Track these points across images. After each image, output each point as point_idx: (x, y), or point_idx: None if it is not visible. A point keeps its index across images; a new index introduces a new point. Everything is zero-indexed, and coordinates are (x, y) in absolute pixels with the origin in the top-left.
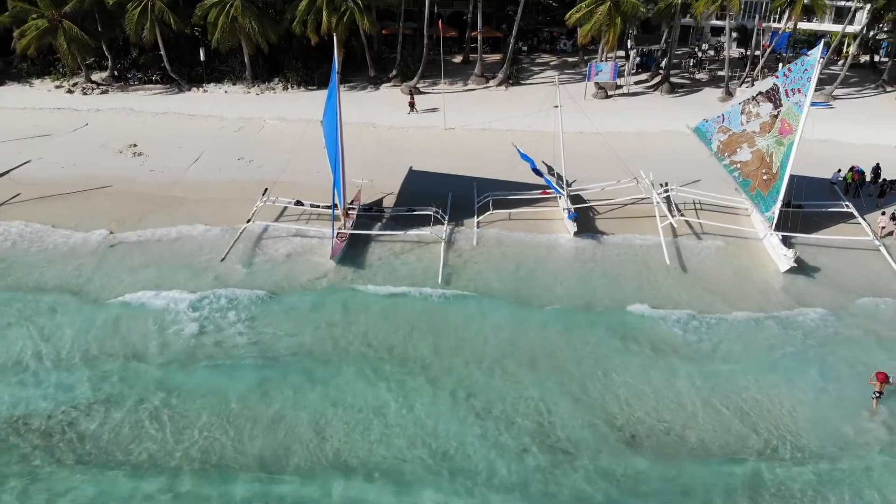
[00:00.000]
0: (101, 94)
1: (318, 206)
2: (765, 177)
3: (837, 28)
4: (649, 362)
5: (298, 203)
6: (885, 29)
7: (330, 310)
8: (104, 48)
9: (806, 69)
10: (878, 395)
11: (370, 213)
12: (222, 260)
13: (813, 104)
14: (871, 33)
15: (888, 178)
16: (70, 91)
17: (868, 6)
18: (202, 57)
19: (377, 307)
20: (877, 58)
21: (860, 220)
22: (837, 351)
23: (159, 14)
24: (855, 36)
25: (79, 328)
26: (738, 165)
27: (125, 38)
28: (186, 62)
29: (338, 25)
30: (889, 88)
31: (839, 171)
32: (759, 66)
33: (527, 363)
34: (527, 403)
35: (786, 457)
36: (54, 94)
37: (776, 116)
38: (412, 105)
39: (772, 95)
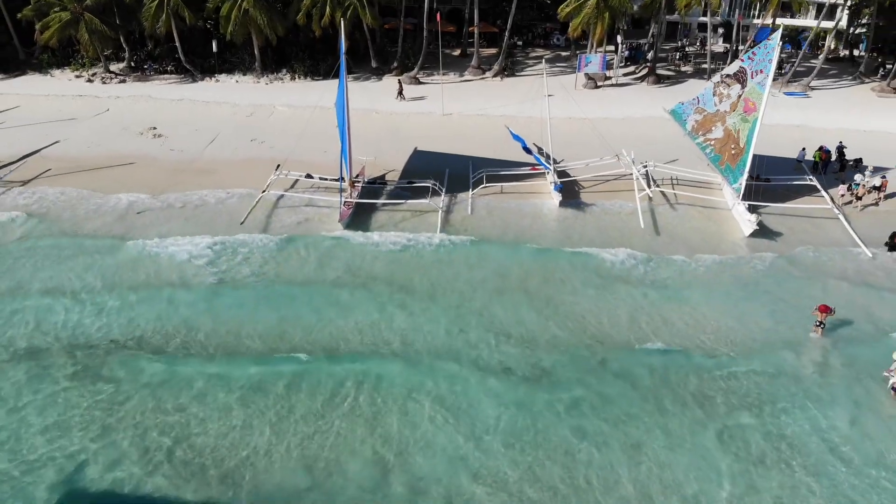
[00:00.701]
0: (119, 83)
1: (326, 179)
2: (733, 151)
3: (821, 24)
4: (611, 286)
5: (308, 176)
6: (864, 22)
7: (339, 255)
8: (122, 40)
9: (768, 52)
10: (820, 324)
11: (374, 186)
12: (242, 223)
13: (790, 94)
14: (851, 29)
15: (849, 158)
16: (90, 80)
17: (847, 2)
18: (214, 49)
19: (382, 252)
20: (856, 52)
21: (823, 192)
22: (785, 287)
23: (174, 8)
24: (836, 31)
25: (118, 266)
26: (712, 143)
27: (141, 30)
28: (199, 54)
29: (344, 19)
30: (866, 80)
31: (803, 149)
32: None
33: (508, 286)
34: (505, 310)
35: (724, 353)
36: (75, 84)
37: (740, 96)
38: (400, 92)
39: (740, 77)
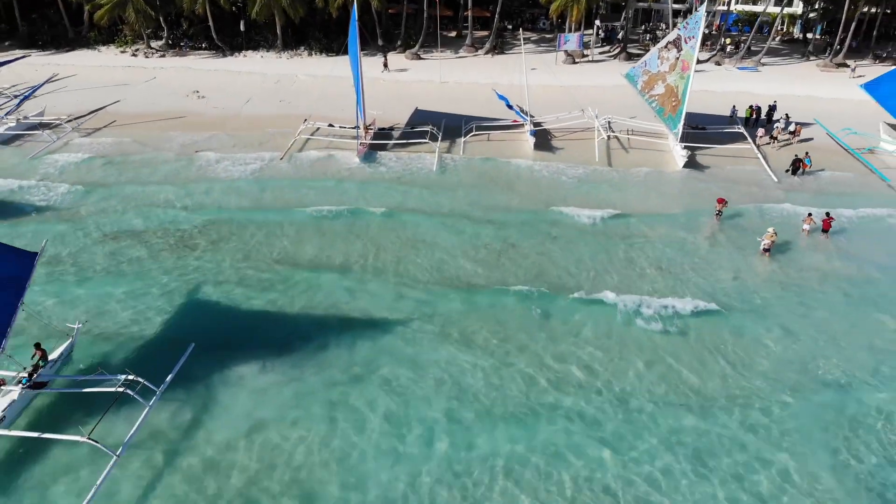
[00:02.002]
0: (159, 57)
1: (345, 128)
2: (673, 103)
3: (778, 9)
4: (562, 184)
5: (330, 125)
6: (816, 7)
7: (356, 174)
8: (161, 20)
9: (697, 22)
10: (718, 212)
11: (383, 132)
12: (281, 159)
13: (743, 68)
14: (805, 13)
15: (777, 115)
16: (134, 55)
17: None
18: (242, 28)
19: (389, 189)
20: (810, 35)
21: (746, 136)
22: (698, 190)
23: None
24: (791, 16)
25: (189, 171)
26: (657, 97)
27: (178, 12)
28: (228, 33)
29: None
30: (813, 58)
31: (734, 106)
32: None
33: (485, 203)
34: (482, 193)
35: (637, 221)
36: (120, 58)
37: (678, 58)
38: (385, 65)
39: (677, 43)
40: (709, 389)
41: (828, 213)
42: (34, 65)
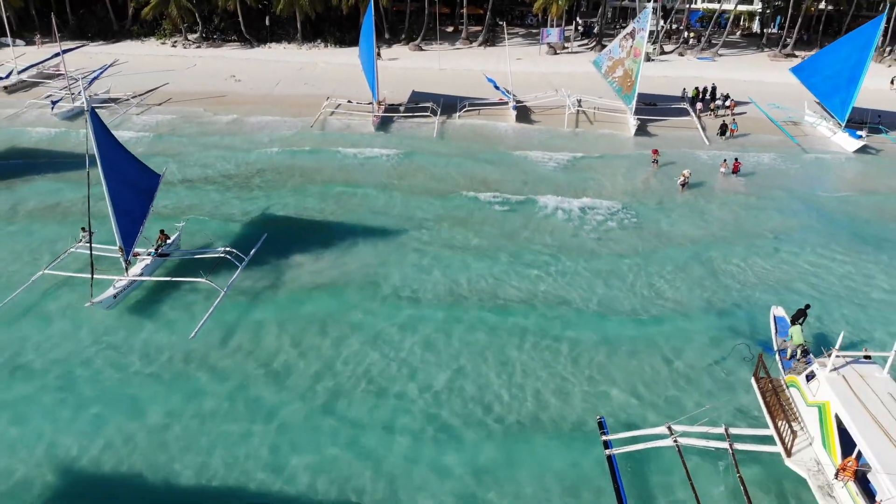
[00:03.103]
0: (195, 48)
1: (361, 104)
2: (628, 83)
3: (739, 7)
4: (533, 136)
5: (349, 101)
6: (772, 4)
7: (373, 139)
8: (196, 15)
9: (645, 17)
10: (654, 161)
11: (392, 108)
12: (312, 126)
13: (701, 58)
14: (762, 10)
15: (719, 95)
16: (173, 46)
17: None
18: (267, 23)
19: (399, 148)
20: (767, 30)
21: (689, 111)
22: (643, 144)
23: None
24: (750, 13)
25: (243, 132)
26: (617, 79)
27: (211, 8)
28: (255, 26)
29: (364, 1)
30: (766, 50)
31: (684, 88)
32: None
33: (472, 150)
34: (471, 143)
35: (591, 169)
36: (162, 48)
37: (632, 46)
38: (378, 55)
39: (633, 34)
40: (621, 248)
41: (736, 159)
42: (88, 53)
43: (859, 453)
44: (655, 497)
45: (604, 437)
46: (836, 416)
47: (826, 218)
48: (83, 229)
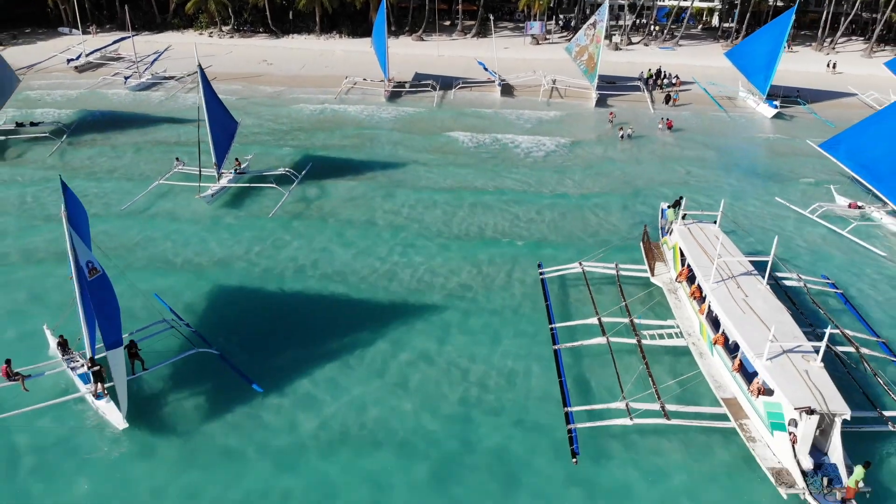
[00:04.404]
0: (229, 38)
1: (374, 81)
2: (592, 65)
3: (700, 3)
4: (512, 104)
5: (364, 79)
6: (729, 1)
7: (387, 107)
8: (230, 10)
9: (602, 11)
10: (610, 121)
11: (399, 84)
12: (335, 98)
13: (663, 48)
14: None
15: (669, 76)
16: (210, 36)
17: None
18: (290, 16)
19: (407, 112)
20: (724, 24)
21: (641, 87)
22: (602, 114)
23: None
24: (710, 9)
25: (285, 104)
26: (584, 62)
27: (241, 4)
28: (279, 19)
29: None
30: (721, 42)
31: (642, 71)
32: (639, 29)
33: (464, 111)
34: (463, 117)
35: (557, 122)
36: (200, 38)
37: (594, 34)
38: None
39: (595, 24)
40: (564, 162)
41: (669, 118)
42: (138, 41)
43: (689, 265)
44: (570, 303)
45: (539, 271)
46: (679, 248)
47: (725, 153)
48: (177, 158)
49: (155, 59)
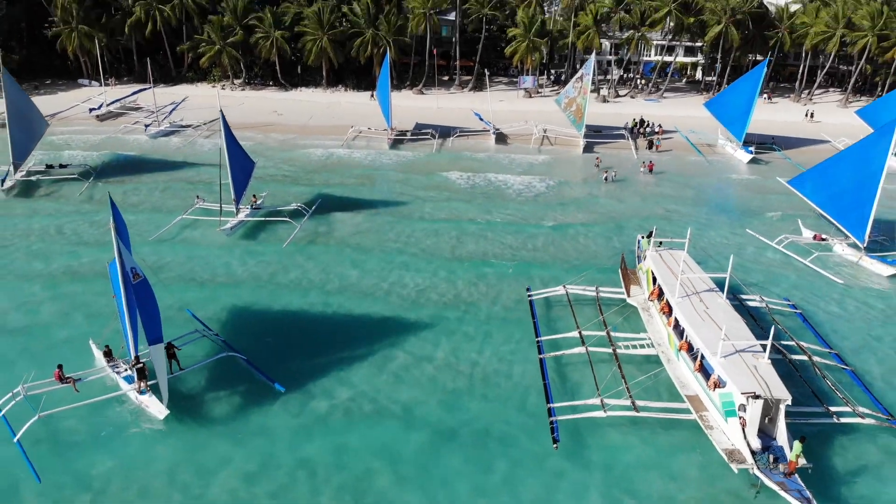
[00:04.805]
0: (240, 91)
1: (378, 130)
2: (580, 115)
3: (683, 59)
4: (504, 152)
5: (368, 128)
6: (711, 56)
7: (389, 153)
8: (241, 64)
9: (589, 66)
10: (597, 165)
11: (401, 133)
12: (342, 145)
13: (648, 100)
14: (705, 62)
15: (651, 126)
16: (222, 88)
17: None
18: (299, 70)
19: (408, 156)
20: (709, 78)
21: (626, 135)
22: (589, 159)
23: (279, 43)
24: (694, 64)
25: (295, 149)
26: (572, 112)
27: (253, 58)
28: (288, 73)
29: (377, 54)
30: (704, 94)
31: (626, 122)
32: (624, 83)
33: (461, 154)
34: (460, 161)
35: (546, 164)
36: (214, 91)
37: (581, 87)
38: (372, 96)
39: (581, 78)
40: (549, 199)
41: (651, 161)
42: (155, 93)
43: (659, 284)
44: (554, 320)
45: (528, 293)
46: (651, 272)
47: (701, 192)
48: (197, 196)
49: (173, 109)
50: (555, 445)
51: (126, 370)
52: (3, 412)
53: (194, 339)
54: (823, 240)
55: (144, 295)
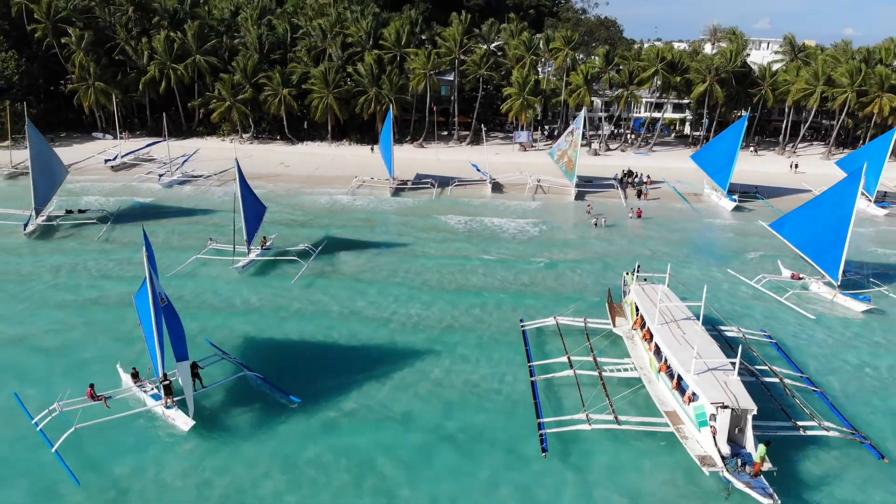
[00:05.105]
0: (249, 144)
1: (380, 180)
2: (571, 165)
3: (672, 115)
4: (499, 201)
5: (371, 178)
6: (699, 112)
7: (390, 201)
8: (250, 119)
9: (579, 121)
10: (588, 212)
11: (402, 182)
12: (346, 193)
13: (638, 153)
14: (687, 117)
15: (638, 176)
16: (231, 142)
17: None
18: (305, 126)
19: (408, 201)
20: (694, 132)
21: (615, 185)
22: (580, 207)
23: (287, 101)
24: (682, 119)
25: (308, 197)
26: (564, 163)
27: (261, 114)
28: (294, 128)
29: (380, 111)
30: (692, 148)
31: (616, 173)
32: (615, 138)
33: (458, 204)
34: (457, 207)
35: (540, 209)
36: (222, 144)
37: (572, 140)
38: (372, 149)
39: (573, 132)
40: (541, 239)
41: (639, 208)
42: (165, 147)
43: (641, 315)
44: (545, 347)
45: (521, 324)
46: (635, 303)
47: (686, 236)
48: (210, 238)
49: (185, 160)
50: (543, 454)
51: (152, 389)
52: (40, 427)
53: (213, 361)
54: (801, 278)
55: (171, 317)
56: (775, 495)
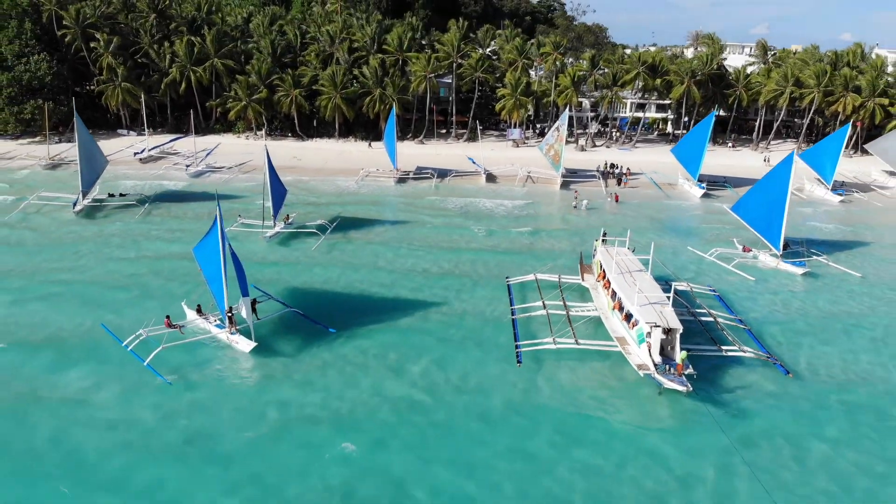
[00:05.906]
0: (263, 140)
1: (384, 171)
2: (557, 158)
3: (655, 114)
4: (493, 188)
5: (376, 170)
6: (678, 111)
7: (395, 189)
8: (263, 117)
9: (564, 118)
10: (576, 198)
11: (405, 173)
12: (354, 182)
13: (622, 149)
14: (668, 116)
15: (617, 169)
16: (246, 138)
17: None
18: (314, 123)
19: (410, 188)
20: (675, 130)
21: (597, 175)
22: (566, 194)
23: (298, 101)
24: (664, 119)
25: (324, 184)
26: (551, 156)
27: (274, 112)
28: (304, 125)
29: (383, 110)
30: (673, 144)
31: (598, 165)
32: (602, 135)
33: (454, 192)
34: (453, 194)
35: (527, 196)
36: (238, 140)
37: (558, 135)
38: (370, 145)
39: (558, 128)
40: (526, 218)
41: (616, 194)
42: (187, 141)
43: (604, 271)
44: (525, 296)
45: (507, 279)
46: (600, 262)
47: (655, 217)
48: (239, 215)
49: (208, 154)
50: (518, 364)
51: (216, 320)
52: (130, 347)
53: (261, 300)
54: (750, 251)
55: (236, 260)
56: (689, 384)
